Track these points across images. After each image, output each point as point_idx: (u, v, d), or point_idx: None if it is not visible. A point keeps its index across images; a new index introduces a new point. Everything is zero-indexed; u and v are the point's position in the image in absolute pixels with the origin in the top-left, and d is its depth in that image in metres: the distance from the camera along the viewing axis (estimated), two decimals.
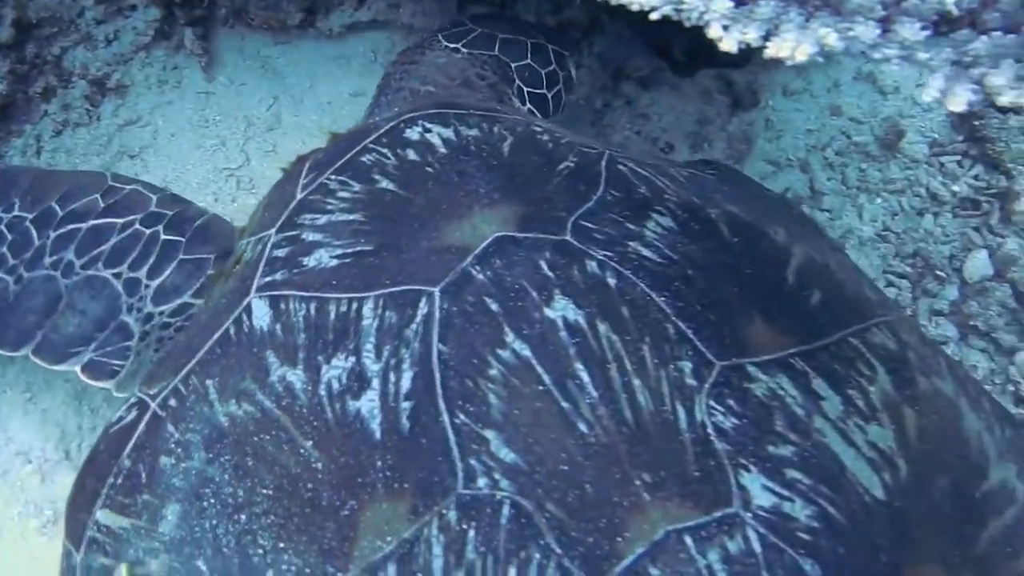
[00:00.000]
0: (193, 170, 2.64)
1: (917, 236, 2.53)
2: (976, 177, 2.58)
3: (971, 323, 2.41)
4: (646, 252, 1.52)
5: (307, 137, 2.66)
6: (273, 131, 2.70)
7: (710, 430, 1.32)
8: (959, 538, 1.37)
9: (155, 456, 1.47)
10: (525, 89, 2.38)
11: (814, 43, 1.09)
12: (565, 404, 1.32)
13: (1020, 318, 2.38)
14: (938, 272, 2.47)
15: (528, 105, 2.41)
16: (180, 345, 1.66)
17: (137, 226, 2.03)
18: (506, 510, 1.25)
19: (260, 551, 1.32)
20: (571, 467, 1.27)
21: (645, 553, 1.21)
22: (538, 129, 1.84)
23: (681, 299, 1.46)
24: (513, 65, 2.39)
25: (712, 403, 1.35)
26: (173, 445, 1.46)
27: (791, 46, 1.09)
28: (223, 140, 2.67)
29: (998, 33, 1.00)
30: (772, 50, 1.10)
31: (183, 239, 2.00)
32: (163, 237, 2.01)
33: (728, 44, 1.14)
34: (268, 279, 1.56)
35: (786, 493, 1.29)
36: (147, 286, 1.97)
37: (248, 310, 1.53)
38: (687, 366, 1.38)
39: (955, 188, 2.58)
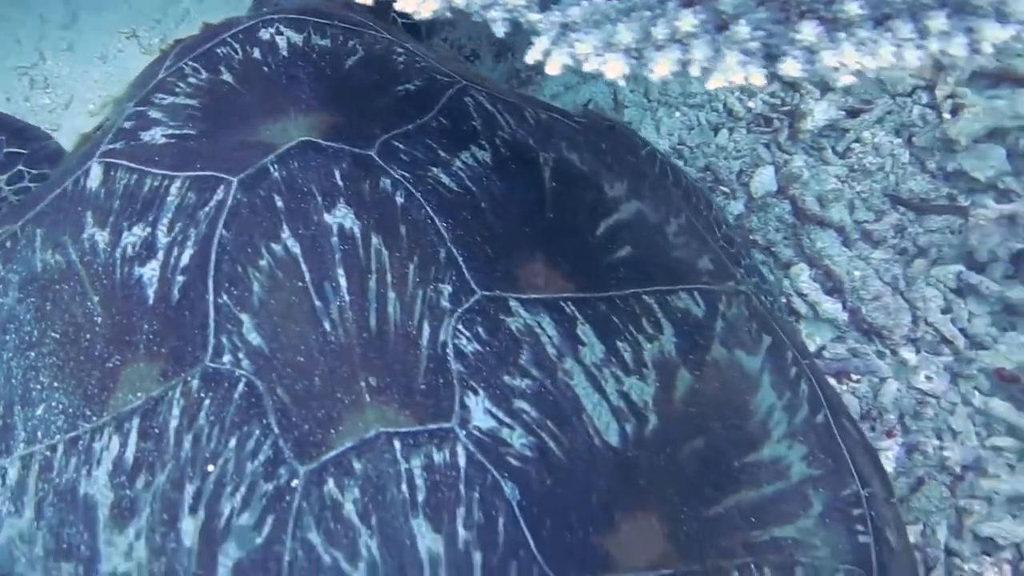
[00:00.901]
0: None
1: (709, 151, 2.60)
2: (772, 94, 2.64)
3: (752, 237, 2.50)
4: (446, 179, 1.59)
5: (106, 37, 2.60)
6: (69, 29, 2.62)
7: (449, 351, 1.40)
8: (695, 497, 1.46)
9: None
10: (399, 21, 2.35)
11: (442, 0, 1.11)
12: (317, 303, 1.42)
13: (798, 233, 2.48)
14: (723, 188, 2.55)
15: None
16: (33, 193, 1.82)
17: None
18: (240, 387, 1.37)
19: (39, 386, 1.47)
20: (307, 360, 1.37)
21: (353, 448, 1.31)
22: (398, 51, 1.87)
23: (463, 228, 1.54)
24: None
25: (460, 327, 1.43)
26: None
27: (418, 0, 1.11)
28: (17, 38, 2.59)
29: None
30: (400, 4, 1.12)
31: None
32: None
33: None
34: (111, 147, 1.67)
35: (508, 420, 1.37)
36: None
37: (87, 172, 1.65)
38: (447, 290, 1.46)
39: (751, 105, 2.64)
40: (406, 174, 1.58)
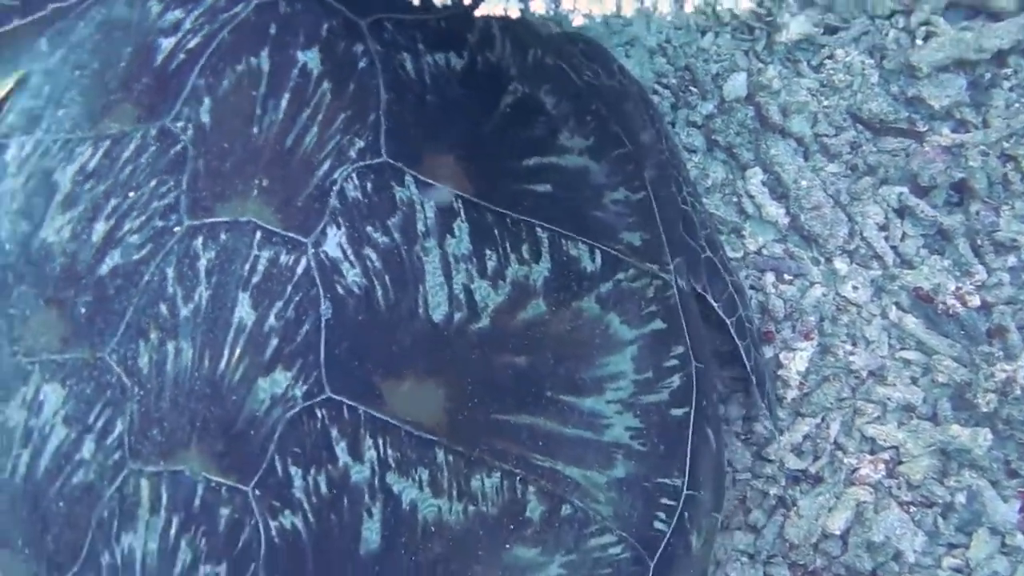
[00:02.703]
0: None
1: (691, 52, 2.74)
2: (760, 4, 2.75)
3: (713, 137, 2.66)
4: (410, 66, 1.83)
5: None
6: None
7: (335, 189, 1.68)
8: (492, 399, 1.69)
9: None
10: None
11: None
12: (258, 111, 1.74)
13: (758, 139, 2.63)
14: (692, 88, 2.70)
15: None
16: None
17: None
18: (178, 147, 1.72)
19: (73, 92, 1.88)
20: (228, 148, 1.71)
21: (226, 223, 1.66)
22: None
23: (400, 107, 1.78)
24: None
25: (353, 175, 1.69)
26: None
27: None
28: None
29: None
30: None
31: None
32: None
33: None
34: None
35: (352, 259, 1.64)
36: None
37: None
38: (359, 144, 1.72)
39: (738, 12, 2.75)
40: (379, 48, 1.82)
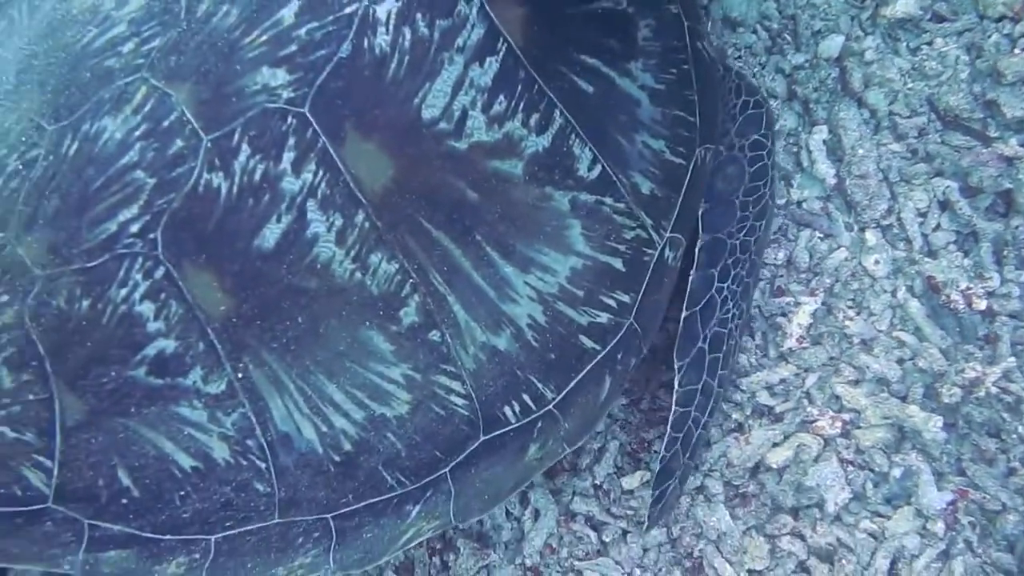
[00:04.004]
0: None
1: (800, 3, 2.82)
2: None
3: (794, 88, 2.77)
4: None
5: None
6: None
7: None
8: (444, 200, 1.84)
9: None
10: None
11: None
12: None
13: (835, 101, 2.72)
14: (790, 37, 2.80)
15: None
16: None
17: None
18: None
19: None
20: None
21: None
22: None
23: None
24: None
25: None
26: None
27: None
28: None
29: None
30: None
31: None
32: None
33: None
34: None
35: (391, 27, 1.80)
36: None
37: None
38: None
39: None
40: None
